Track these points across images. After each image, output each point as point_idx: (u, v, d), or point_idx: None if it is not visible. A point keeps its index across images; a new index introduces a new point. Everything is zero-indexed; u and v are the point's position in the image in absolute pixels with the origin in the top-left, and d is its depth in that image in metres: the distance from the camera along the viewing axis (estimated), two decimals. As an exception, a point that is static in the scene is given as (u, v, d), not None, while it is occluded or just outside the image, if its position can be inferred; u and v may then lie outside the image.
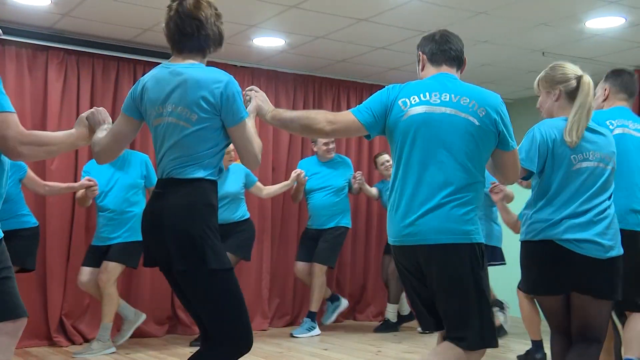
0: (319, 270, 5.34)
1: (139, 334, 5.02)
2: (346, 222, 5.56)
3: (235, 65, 5.78)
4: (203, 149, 2.24)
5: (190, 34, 2.26)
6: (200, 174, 2.24)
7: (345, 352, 4.70)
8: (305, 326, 5.42)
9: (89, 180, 4.45)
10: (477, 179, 2.31)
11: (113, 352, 4.55)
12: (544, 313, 2.79)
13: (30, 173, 4.26)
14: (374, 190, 5.90)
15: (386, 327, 5.69)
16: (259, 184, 5.34)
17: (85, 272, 4.58)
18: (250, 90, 2.51)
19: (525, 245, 2.68)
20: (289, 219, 5.97)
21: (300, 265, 5.49)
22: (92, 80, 5.16)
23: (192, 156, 2.23)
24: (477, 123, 2.28)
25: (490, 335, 2.31)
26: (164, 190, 2.28)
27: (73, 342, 4.88)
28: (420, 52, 2.53)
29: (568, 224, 2.55)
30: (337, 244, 5.52)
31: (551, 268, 2.60)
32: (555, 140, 2.58)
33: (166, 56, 5.71)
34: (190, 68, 2.28)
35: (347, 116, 2.41)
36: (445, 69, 2.44)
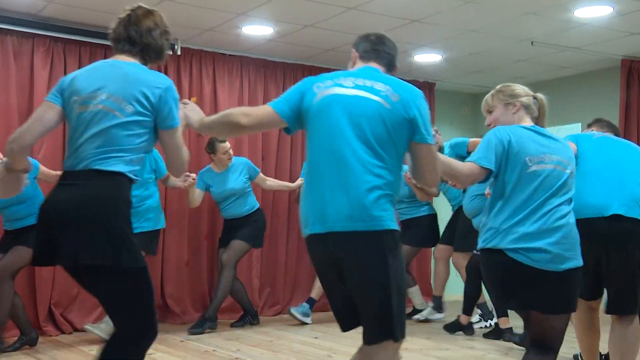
0: None
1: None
2: None
3: (224, 54, 5.77)
4: (129, 143, 2.22)
5: (133, 39, 2.35)
6: (122, 168, 2.21)
7: (335, 341, 4.72)
8: (301, 309, 5.52)
9: None
10: (388, 164, 2.20)
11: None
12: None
13: (42, 168, 4.34)
14: None
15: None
16: (261, 174, 5.41)
17: None
18: (182, 102, 2.51)
19: (481, 254, 2.58)
20: (279, 209, 5.98)
21: None
22: (79, 68, 5.10)
23: (116, 148, 2.21)
24: (388, 106, 2.21)
25: (397, 326, 2.20)
26: (79, 181, 2.21)
27: (62, 332, 4.88)
28: (353, 50, 2.49)
29: (520, 232, 2.42)
30: None
31: (504, 281, 2.50)
32: (510, 142, 2.51)
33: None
34: (133, 65, 2.34)
35: (263, 108, 2.38)
36: (372, 64, 2.41)
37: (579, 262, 2.49)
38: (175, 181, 4.91)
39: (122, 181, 2.22)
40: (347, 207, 2.15)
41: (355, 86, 2.26)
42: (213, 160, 5.26)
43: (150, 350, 4.66)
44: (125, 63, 2.34)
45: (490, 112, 2.71)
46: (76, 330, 4.91)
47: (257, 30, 5.23)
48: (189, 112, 2.49)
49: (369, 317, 2.22)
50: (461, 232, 5.21)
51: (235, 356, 4.25)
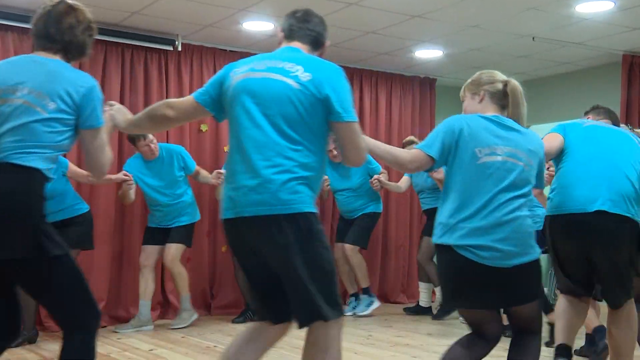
0: (351, 250, 5.56)
1: (130, 319, 5.06)
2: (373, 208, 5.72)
3: (225, 50, 5.76)
4: (49, 140, 2.18)
5: (53, 37, 2.28)
6: (39, 164, 2.16)
7: (336, 336, 4.72)
8: (364, 303, 5.56)
9: (125, 175, 4.69)
10: (301, 146, 2.16)
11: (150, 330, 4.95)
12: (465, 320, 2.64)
13: (72, 166, 4.50)
14: (399, 184, 5.82)
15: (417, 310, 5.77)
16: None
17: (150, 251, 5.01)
18: (108, 104, 2.50)
19: (436, 249, 2.51)
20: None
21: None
22: (79, 64, 5.09)
23: (36, 144, 2.16)
24: (297, 87, 2.14)
25: (324, 306, 2.14)
26: None
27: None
28: (279, 29, 2.43)
29: (468, 227, 2.33)
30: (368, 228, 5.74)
31: (454, 278, 2.43)
32: (462, 131, 2.40)
33: (154, 40, 5.67)
34: (57, 63, 2.28)
35: (187, 99, 2.39)
36: (295, 44, 2.34)
37: (531, 256, 2.40)
38: (207, 177, 5.05)
39: (37, 177, 2.17)
40: (255, 192, 2.13)
41: (266, 69, 2.22)
42: None
43: (151, 346, 4.68)
44: (49, 60, 2.27)
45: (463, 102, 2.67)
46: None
47: (258, 26, 5.22)
48: (115, 112, 2.49)
49: (293, 300, 2.20)
50: None
51: (236, 352, 4.25)
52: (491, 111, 2.51)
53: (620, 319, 3.03)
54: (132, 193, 4.76)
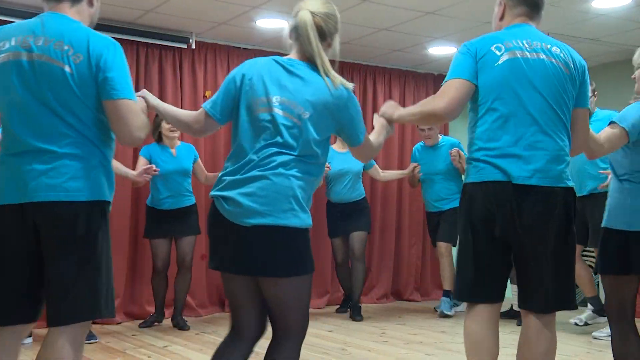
0: (445, 249, 5.49)
1: (141, 316, 5.09)
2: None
3: (239, 47, 5.79)
4: None
5: None
6: None
7: (349, 334, 4.73)
8: (448, 304, 5.48)
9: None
10: (80, 132, 2.07)
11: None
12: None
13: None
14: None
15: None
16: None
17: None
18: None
19: None
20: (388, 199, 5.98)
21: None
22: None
23: None
24: (69, 70, 2.04)
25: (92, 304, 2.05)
26: None
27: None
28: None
29: (226, 180, 2.14)
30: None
31: (208, 232, 2.23)
32: (244, 78, 2.19)
33: (168, 38, 5.67)
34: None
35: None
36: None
37: (280, 220, 2.06)
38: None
39: None
40: (32, 178, 2.04)
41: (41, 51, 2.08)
42: None
43: (166, 343, 4.70)
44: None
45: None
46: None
47: (271, 23, 5.23)
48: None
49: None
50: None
51: (250, 349, 4.27)
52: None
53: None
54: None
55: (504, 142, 2.34)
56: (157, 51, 5.44)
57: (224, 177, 2.16)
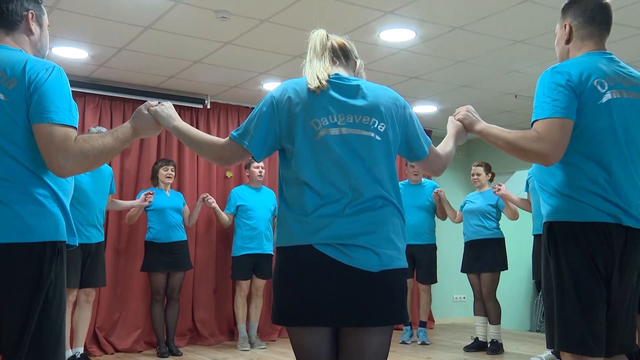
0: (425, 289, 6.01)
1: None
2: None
3: (248, 107, 6.40)
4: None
5: None
6: None
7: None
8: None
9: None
10: (20, 159, 1.87)
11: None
12: None
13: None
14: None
15: (477, 346, 5.62)
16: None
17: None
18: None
19: None
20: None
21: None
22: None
23: None
24: (4, 98, 1.87)
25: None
26: None
27: (105, 352, 5.41)
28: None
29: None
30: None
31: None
32: (291, 98, 1.93)
33: (186, 99, 6.33)
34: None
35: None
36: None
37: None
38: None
39: None
40: None
41: None
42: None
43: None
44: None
45: None
46: (117, 351, 5.46)
47: (275, 86, 5.78)
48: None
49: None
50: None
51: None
52: None
53: None
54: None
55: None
56: (177, 110, 5.97)
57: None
